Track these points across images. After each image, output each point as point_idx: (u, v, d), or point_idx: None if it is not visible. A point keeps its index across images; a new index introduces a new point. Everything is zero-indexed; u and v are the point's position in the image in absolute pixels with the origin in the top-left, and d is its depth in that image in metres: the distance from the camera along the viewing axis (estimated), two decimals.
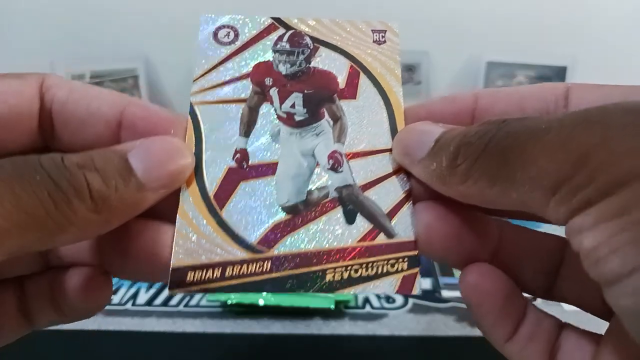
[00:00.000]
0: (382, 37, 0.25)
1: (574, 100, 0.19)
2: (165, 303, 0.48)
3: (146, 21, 0.71)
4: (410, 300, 0.48)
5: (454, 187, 0.18)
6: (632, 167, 0.13)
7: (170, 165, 0.19)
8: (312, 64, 0.24)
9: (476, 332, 0.45)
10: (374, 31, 0.25)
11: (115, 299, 0.48)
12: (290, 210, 0.22)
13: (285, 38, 0.24)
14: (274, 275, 0.20)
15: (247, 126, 0.23)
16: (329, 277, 0.21)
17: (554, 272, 0.20)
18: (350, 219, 0.22)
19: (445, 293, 0.49)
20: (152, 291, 0.49)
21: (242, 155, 0.22)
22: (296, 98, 0.23)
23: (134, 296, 0.49)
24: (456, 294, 0.48)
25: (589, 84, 0.19)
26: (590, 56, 0.67)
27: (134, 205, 0.18)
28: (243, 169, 0.22)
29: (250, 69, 0.24)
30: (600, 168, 0.13)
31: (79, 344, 0.43)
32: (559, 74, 0.67)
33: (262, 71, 0.24)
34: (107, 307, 0.47)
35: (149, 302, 0.48)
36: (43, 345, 0.42)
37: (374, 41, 0.25)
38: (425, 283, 0.50)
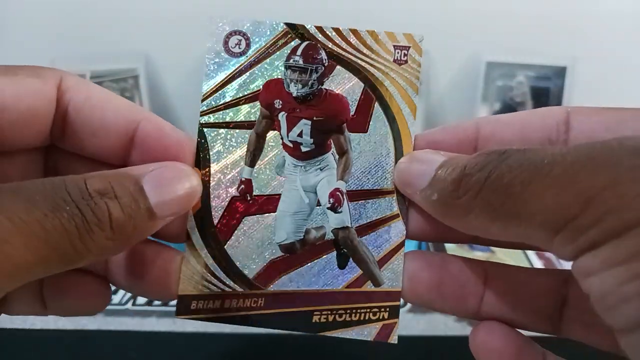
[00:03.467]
0: (405, 55, 0.22)
1: (575, 126, 0.19)
2: (166, 303, 0.48)
3: (146, 21, 0.71)
4: None
5: (455, 219, 0.18)
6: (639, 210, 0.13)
7: (180, 192, 0.19)
8: (325, 85, 0.22)
9: None
10: (396, 47, 0.22)
11: (116, 298, 0.48)
12: (288, 249, 0.22)
13: (299, 51, 0.22)
14: (266, 311, 0.21)
15: (253, 155, 0.22)
16: (315, 318, 0.21)
17: (557, 312, 0.20)
18: (342, 264, 0.22)
19: None
20: None
21: (246, 186, 0.22)
22: (304, 126, 0.22)
23: (134, 296, 0.49)
24: None
25: (587, 107, 0.20)
26: (590, 56, 0.67)
27: (144, 232, 0.18)
28: (247, 201, 0.22)
29: (261, 87, 0.22)
30: (607, 211, 0.13)
31: (78, 344, 0.43)
32: (559, 74, 0.67)
33: (272, 91, 0.22)
34: (108, 307, 0.47)
35: (149, 302, 0.48)
36: (43, 345, 0.42)
37: (394, 60, 0.22)
38: None
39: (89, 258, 0.16)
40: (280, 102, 0.22)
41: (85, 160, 0.21)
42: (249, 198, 0.22)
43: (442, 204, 0.18)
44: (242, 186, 0.22)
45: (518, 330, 0.20)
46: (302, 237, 0.22)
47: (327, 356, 0.42)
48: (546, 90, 0.67)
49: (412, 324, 0.46)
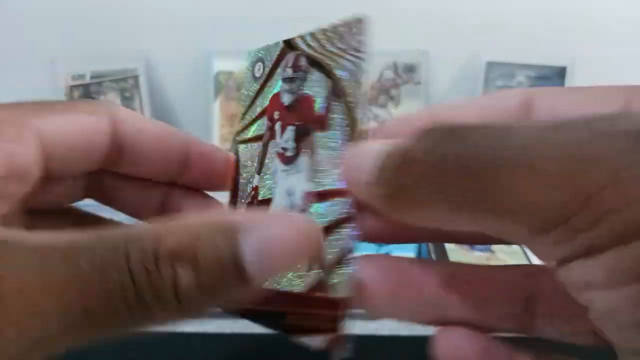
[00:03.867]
0: (358, 41, 0.21)
1: (539, 106, 0.18)
2: None
3: (146, 21, 0.71)
4: None
5: (405, 214, 0.15)
6: None
7: (291, 255, 0.15)
8: (304, 89, 0.22)
9: None
10: (346, 33, 0.21)
11: None
12: None
13: (290, 63, 0.23)
14: (255, 307, 0.21)
15: (260, 164, 0.23)
16: (289, 319, 0.21)
17: (526, 310, 0.18)
18: (307, 267, 0.21)
19: None
20: None
21: (254, 192, 0.23)
22: (290, 132, 0.23)
23: None
24: None
25: (550, 88, 0.18)
26: (590, 56, 0.67)
27: (228, 299, 0.15)
28: (254, 206, 0.23)
29: (268, 102, 0.23)
30: (611, 211, 0.11)
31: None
32: (559, 74, 0.67)
33: (274, 105, 0.23)
34: None
35: None
36: None
37: (353, 48, 0.21)
38: None
39: (146, 327, 0.14)
40: (279, 112, 0.23)
41: (132, 179, 0.22)
42: (255, 202, 0.23)
43: (389, 197, 0.15)
44: (253, 192, 0.23)
45: (484, 333, 0.19)
46: None
47: (327, 356, 0.42)
48: None
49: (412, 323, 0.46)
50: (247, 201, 0.23)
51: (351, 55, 0.22)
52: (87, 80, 0.68)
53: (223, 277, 0.14)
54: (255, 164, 0.23)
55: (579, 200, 0.12)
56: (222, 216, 0.16)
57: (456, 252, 0.51)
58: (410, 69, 0.71)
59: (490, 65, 0.68)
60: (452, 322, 0.18)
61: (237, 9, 0.70)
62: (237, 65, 0.73)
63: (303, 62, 0.22)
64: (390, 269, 0.19)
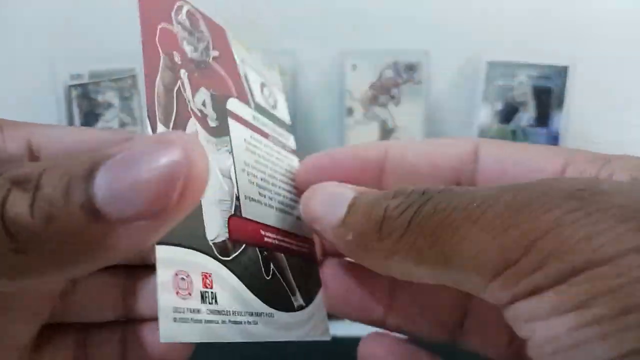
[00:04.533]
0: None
1: (483, 156, 0.19)
2: None
3: None
4: None
5: (374, 261, 0.17)
6: (584, 254, 0.12)
7: (146, 175, 0.11)
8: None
9: None
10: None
11: None
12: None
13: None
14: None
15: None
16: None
17: (457, 325, 0.21)
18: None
19: None
20: None
21: None
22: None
23: None
24: None
25: (495, 140, 0.20)
26: (591, 56, 0.67)
27: (87, 244, 0.11)
28: None
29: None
30: (551, 254, 0.13)
31: None
32: (561, 73, 0.67)
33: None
34: None
35: None
36: None
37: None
38: None
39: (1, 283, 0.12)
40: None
41: None
42: None
43: (360, 245, 0.17)
44: None
45: (408, 340, 0.21)
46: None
47: (326, 357, 0.42)
48: (547, 89, 0.66)
49: None
50: None
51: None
52: (86, 80, 0.67)
53: (66, 206, 0.11)
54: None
55: (523, 245, 0.13)
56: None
57: None
58: (411, 68, 0.70)
59: (491, 64, 0.67)
60: (391, 327, 0.21)
61: (235, 8, 0.70)
62: None
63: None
64: (344, 272, 0.21)
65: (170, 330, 0.15)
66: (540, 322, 0.13)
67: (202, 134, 0.18)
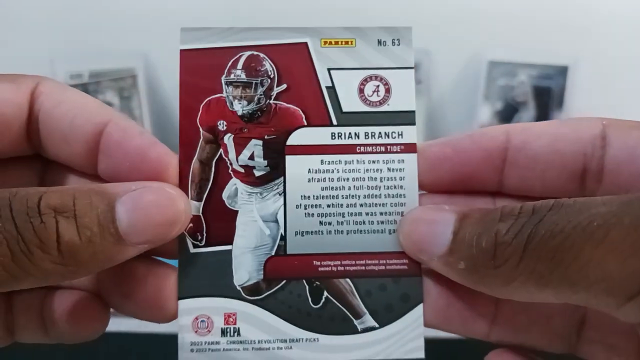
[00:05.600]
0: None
1: (613, 141, 0.18)
2: None
3: (145, 21, 0.71)
4: None
5: (494, 289, 0.16)
6: None
7: (158, 219, 0.17)
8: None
9: None
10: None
11: None
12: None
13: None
14: None
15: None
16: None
17: (574, 334, 0.19)
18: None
19: None
20: None
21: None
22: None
23: None
24: None
25: (624, 121, 0.18)
26: (592, 56, 0.67)
27: (110, 259, 0.16)
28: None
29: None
30: None
31: (77, 346, 0.43)
32: (561, 73, 0.67)
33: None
34: None
35: None
36: (41, 345, 0.42)
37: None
38: None
39: (31, 281, 0.15)
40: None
41: (76, 171, 0.20)
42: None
43: (475, 273, 0.16)
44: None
45: (531, 353, 0.19)
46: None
47: None
48: (548, 89, 0.66)
49: None
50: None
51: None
52: (86, 79, 0.67)
53: (100, 232, 0.15)
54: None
55: None
56: (104, 185, 0.17)
57: None
58: None
59: (492, 64, 0.67)
60: (496, 340, 0.19)
61: (235, 8, 0.70)
62: None
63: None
64: (442, 284, 0.19)
65: (187, 357, 0.20)
66: None
67: (242, 188, 0.20)
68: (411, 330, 0.20)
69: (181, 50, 0.21)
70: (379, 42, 0.21)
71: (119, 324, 0.45)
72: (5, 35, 0.71)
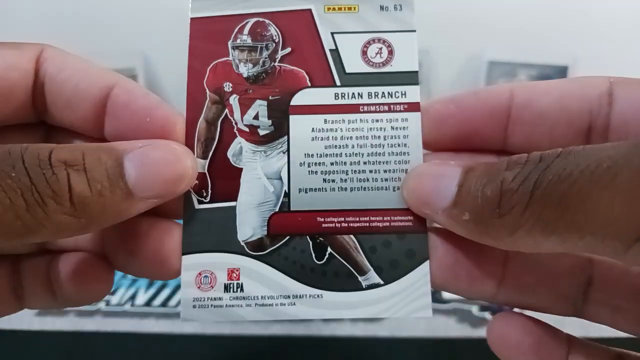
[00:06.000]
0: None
1: (620, 98, 0.18)
2: (164, 304, 0.47)
3: (145, 20, 0.71)
4: None
5: (497, 239, 0.16)
6: None
7: (167, 176, 0.17)
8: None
9: (477, 333, 0.45)
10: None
11: (114, 299, 0.48)
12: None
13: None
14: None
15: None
16: None
17: (581, 294, 0.19)
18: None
19: (447, 294, 0.49)
20: (151, 292, 0.49)
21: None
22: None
23: (133, 297, 0.49)
24: None
25: (631, 79, 0.18)
26: (591, 56, 0.67)
27: (119, 213, 0.17)
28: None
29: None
30: None
31: (77, 346, 0.43)
32: (561, 73, 0.67)
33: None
34: (106, 308, 0.46)
35: (148, 303, 0.48)
36: (41, 346, 0.42)
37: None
38: None
39: (44, 234, 0.15)
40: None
41: (80, 135, 0.20)
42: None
43: (479, 223, 0.16)
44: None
45: (537, 318, 0.19)
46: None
47: (327, 358, 0.42)
48: None
49: (412, 325, 0.45)
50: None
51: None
52: None
53: (109, 185, 0.16)
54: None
55: None
56: (111, 143, 0.17)
57: None
58: None
59: (492, 64, 0.68)
60: (503, 301, 0.19)
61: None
62: None
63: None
64: (450, 241, 0.19)
65: (189, 313, 0.19)
66: None
67: (247, 147, 0.20)
68: (417, 287, 0.20)
69: (191, 19, 0.21)
70: (382, 7, 0.21)
71: (119, 324, 0.45)
72: (4, 35, 0.71)
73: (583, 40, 0.68)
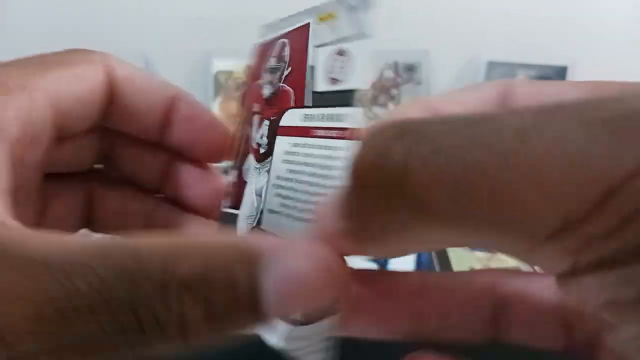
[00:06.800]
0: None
1: (519, 94, 0.15)
2: None
3: (146, 21, 0.71)
4: None
5: (384, 243, 0.13)
6: None
7: (316, 296, 0.13)
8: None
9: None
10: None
11: None
12: None
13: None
14: None
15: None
16: None
17: (495, 318, 0.17)
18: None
19: None
20: None
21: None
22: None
23: None
24: None
25: (526, 80, 0.16)
26: (590, 56, 0.67)
27: (241, 328, 0.14)
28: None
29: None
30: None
31: None
32: (560, 73, 0.67)
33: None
34: None
35: None
36: None
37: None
38: None
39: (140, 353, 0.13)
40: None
41: (132, 141, 0.22)
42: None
43: (358, 230, 0.12)
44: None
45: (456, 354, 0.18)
46: None
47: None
48: None
49: None
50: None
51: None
52: None
53: (236, 312, 0.12)
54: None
55: (593, 200, 0.09)
56: (242, 239, 0.14)
57: (457, 253, 0.51)
58: (411, 68, 0.70)
59: (491, 64, 0.68)
60: (427, 335, 0.17)
61: (237, 8, 0.70)
62: (237, 65, 0.73)
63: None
64: (359, 279, 0.16)
65: None
66: (627, 312, 0.09)
67: (253, 164, 0.21)
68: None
69: (256, 45, 0.23)
70: (350, 7, 0.19)
71: None
72: (4, 35, 0.71)
73: (582, 40, 0.68)
